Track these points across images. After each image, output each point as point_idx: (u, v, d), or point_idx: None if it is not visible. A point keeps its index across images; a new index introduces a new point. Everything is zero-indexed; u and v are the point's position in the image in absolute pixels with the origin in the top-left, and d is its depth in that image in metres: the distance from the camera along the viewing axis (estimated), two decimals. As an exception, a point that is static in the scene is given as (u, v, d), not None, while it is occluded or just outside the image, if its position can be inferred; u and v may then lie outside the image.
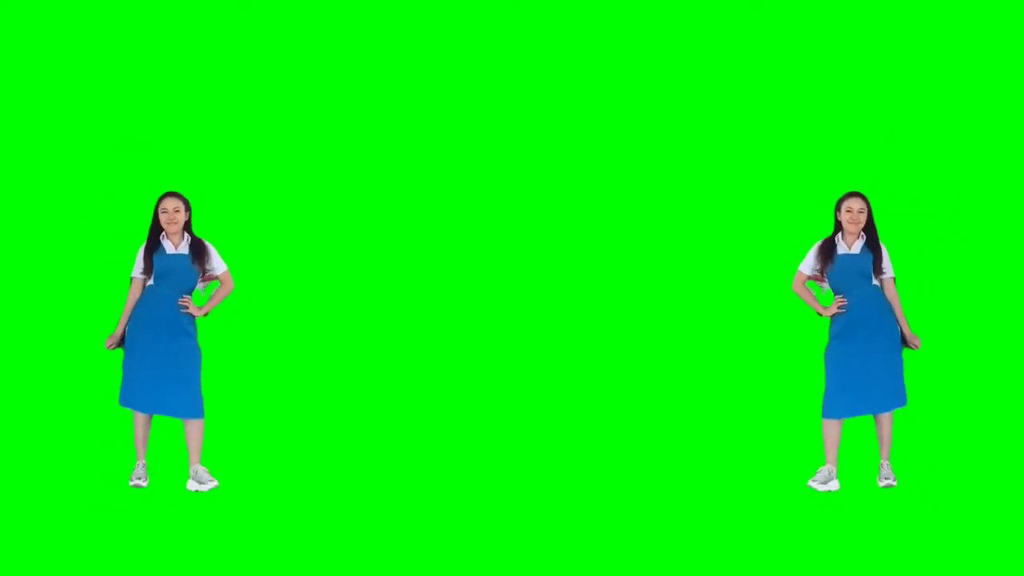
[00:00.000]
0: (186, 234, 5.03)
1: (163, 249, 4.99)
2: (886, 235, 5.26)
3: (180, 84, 6.80)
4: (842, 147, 6.78)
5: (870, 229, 4.99)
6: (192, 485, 5.00)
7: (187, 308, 4.96)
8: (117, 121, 6.77)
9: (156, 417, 5.12)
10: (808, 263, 5.06)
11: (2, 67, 6.70)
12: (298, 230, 6.89)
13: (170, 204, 5.00)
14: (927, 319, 6.50)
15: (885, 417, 5.02)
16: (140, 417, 5.02)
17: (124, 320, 5.00)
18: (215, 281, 5.09)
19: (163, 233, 5.01)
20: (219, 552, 4.25)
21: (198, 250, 5.03)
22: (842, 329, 4.94)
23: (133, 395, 4.96)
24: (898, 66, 6.73)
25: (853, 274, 4.95)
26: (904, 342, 5.00)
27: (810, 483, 4.97)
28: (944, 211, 6.71)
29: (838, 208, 5.01)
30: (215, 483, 4.98)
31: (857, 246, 4.97)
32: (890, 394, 4.96)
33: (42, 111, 6.74)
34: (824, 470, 5.00)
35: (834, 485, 4.95)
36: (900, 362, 4.99)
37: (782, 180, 6.79)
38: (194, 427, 5.01)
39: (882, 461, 5.06)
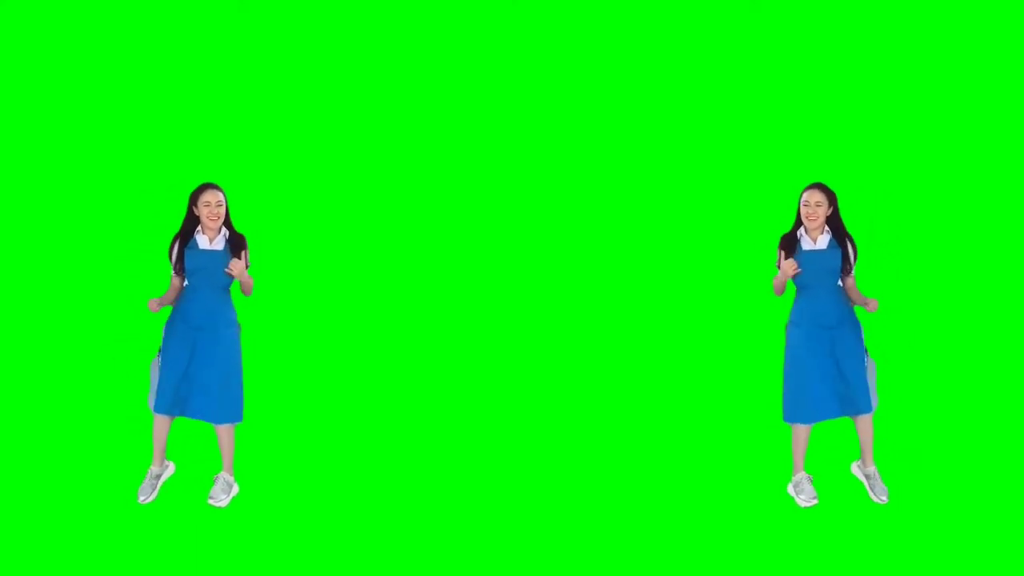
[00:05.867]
0: (224, 228, 4.72)
1: (196, 244, 4.68)
2: (875, 232, 5.08)
3: (185, 83, 6.82)
4: (836, 146, 6.80)
5: (835, 222, 4.72)
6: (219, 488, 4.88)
7: (231, 271, 4.64)
8: (126, 119, 6.80)
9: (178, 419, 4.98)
10: (778, 262, 4.77)
11: (18, 68, 6.72)
12: (305, 231, 6.93)
13: (212, 197, 4.66)
14: (909, 319, 6.59)
15: (863, 421, 4.85)
16: (161, 422, 4.85)
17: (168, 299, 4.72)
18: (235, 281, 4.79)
19: (199, 227, 4.70)
20: (227, 554, 4.33)
21: (237, 246, 4.70)
22: (803, 326, 4.72)
23: (166, 401, 4.73)
24: (884, 66, 6.76)
25: (819, 270, 4.69)
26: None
27: (802, 503, 4.81)
28: (933, 208, 6.73)
29: (800, 200, 4.73)
30: (221, 504, 4.80)
31: (823, 241, 4.69)
32: (861, 397, 4.75)
33: (54, 108, 6.77)
34: (805, 484, 4.86)
35: (808, 488, 4.85)
36: (864, 363, 4.77)
37: (776, 181, 6.82)
38: (224, 430, 4.84)
39: (869, 469, 4.93)
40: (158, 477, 4.96)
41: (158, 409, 4.77)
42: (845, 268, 4.72)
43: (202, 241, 4.69)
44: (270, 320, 6.80)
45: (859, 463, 5.02)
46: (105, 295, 6.70)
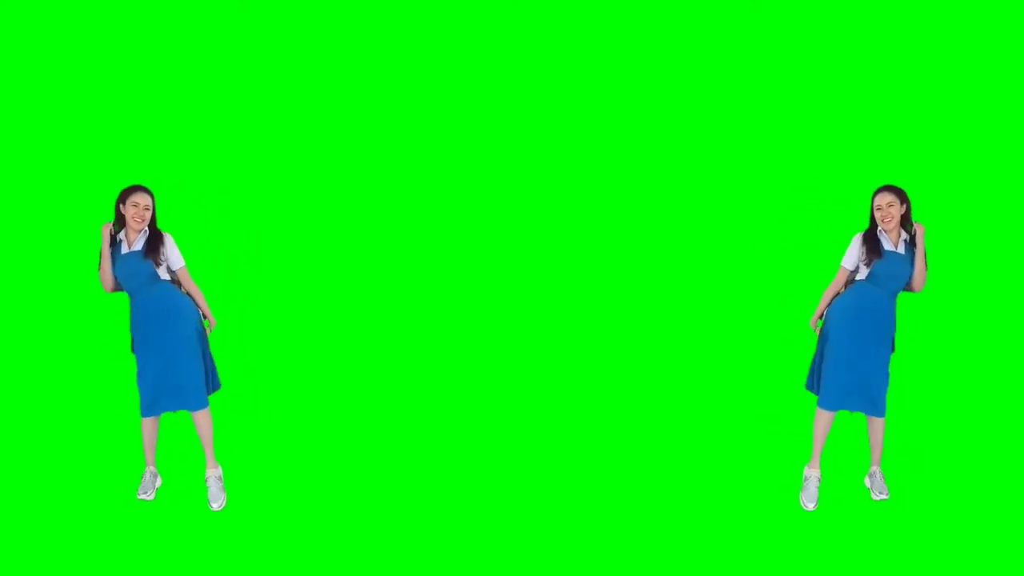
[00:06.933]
0: (146, 230, 4.76)
1: (119, 250, 4.75)
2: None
3: (174, 85, 6.78)
4: (843, 148, 6.77)
5: (908, 224, 4.68)
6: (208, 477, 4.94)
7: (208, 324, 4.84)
8: (106, 121, 6.75)
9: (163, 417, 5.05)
10: (851, 258, 4.72)
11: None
12: (295, 231, 6.91)
13: (141, 200, 4.72)
14: (909, 320, 6.57)
15: (877, 422, 4.90)
16: (148, 423, 4.93)
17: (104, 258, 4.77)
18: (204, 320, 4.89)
19: (123, 230, 4.76)
20: (224, 556, 4.32)
21: (153, 243, 4.74)
22: (852, 319, 4.68)
23: (148, 403, 4.80)
24: (909, 64, 6.70)
25: (891, 276, 4.65)
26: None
27: (805, 505, 4.84)
28: (953, 211, 6.68)
29: (872, 204, 4.71)
30: (221, 504, 4.87)
31: (901, 245, 4.67)
32: (877, 400, 4.77)
33: (15, 110, 6.72)
34: (812, 484, 4.90)
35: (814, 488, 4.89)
36: (887, 371, 4.76)
37: (784, 180, 6.80)
38: (201, 418, 4.87)
39: (873, 467, 4.98)
40: (155, 475, 5.03)
41: (150, 414, 4.84)
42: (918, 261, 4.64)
43: (123, 246, 4.74)
44: (259, 317, 6.80)
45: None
46: (93, 291, 6.68)
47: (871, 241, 4.67)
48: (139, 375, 4.79)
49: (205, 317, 4.89)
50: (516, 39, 6.84)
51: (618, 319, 6.87)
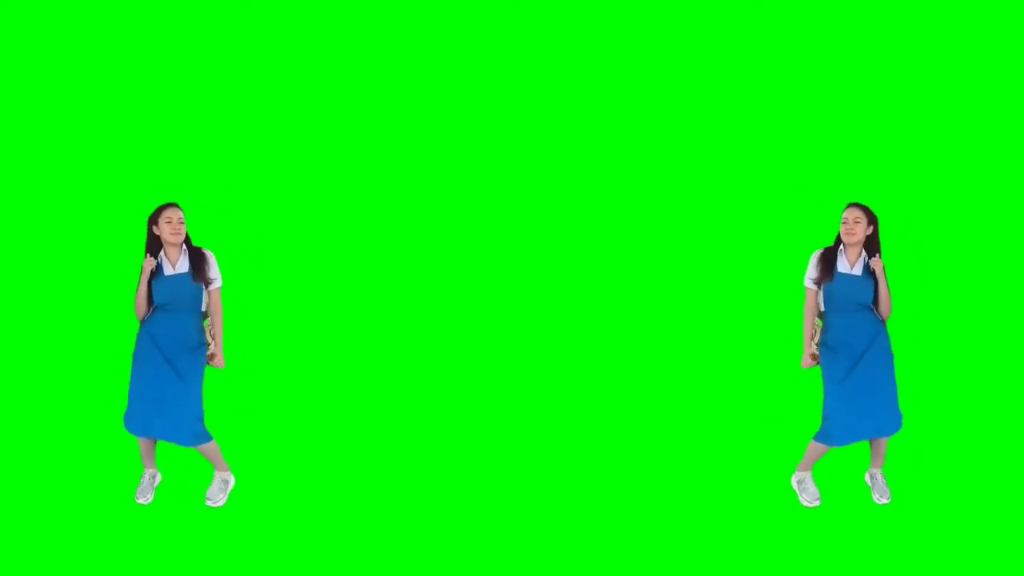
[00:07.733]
0: (184, 247, 4.65)
1: (161, 271, 4.59)
2: (885, 241, 5.02)
3: (174, 87, 6.77)
4: (844, 151, 6.76)
5: (873, 245, 4.67)
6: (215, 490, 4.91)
7: (213, 360, 4.70)
8: (108, 124, 6.73)
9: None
10: (809, 273, 4.73)
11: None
12: (298, 234, 6.90)
13: (174, 214, 4.57)
14: (922, 324, 6.58)
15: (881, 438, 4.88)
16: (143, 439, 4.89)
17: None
18: (205, 320, 4.73)
19: (161, 250, 4.62)
20: (223, 557, 4.32)
21: (199, 262, 4.64)
22: (833, 353, 4.68)
23: (137, 422, 4.71)
24: (904, 69, 6.70)
25: (848, 297, 4.65)
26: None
27: (804, 503, 4.85)
28: (945, 218, 6.69)
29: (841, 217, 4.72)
30: (219, 503, 4.85)
31: (859, 266, 4.64)
32: (886, 420, 4.73)
33: (31, 115, 6.70)
34: (809, 483, 4.90)
35: (812, 489, 4.90)
36: (894, 385, 4.74)
37: (782, 183, 6.79)
38: (207, 449, 4.82)
39: (875, 471, 4.97)
40: (153, 477, 5.00)
41: (133, 432, 4.76)
42: (876, 298, 4.62)
43: (166, 267, 4.59)
44: (258, 317, 6.79)
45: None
46: (96, 294, 6.70)
47: (825, 260, 4.68)
48: (138, 393, 4.66)
49: (212, 339, 4.72)
50: (515, 44, 6.84)
51: (619, 319, 6.87)
